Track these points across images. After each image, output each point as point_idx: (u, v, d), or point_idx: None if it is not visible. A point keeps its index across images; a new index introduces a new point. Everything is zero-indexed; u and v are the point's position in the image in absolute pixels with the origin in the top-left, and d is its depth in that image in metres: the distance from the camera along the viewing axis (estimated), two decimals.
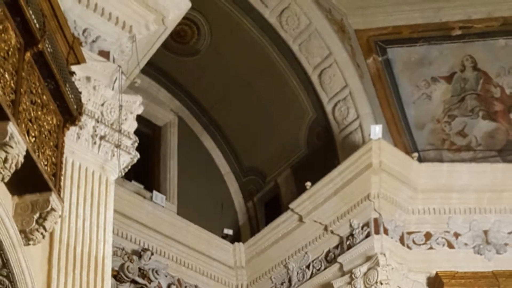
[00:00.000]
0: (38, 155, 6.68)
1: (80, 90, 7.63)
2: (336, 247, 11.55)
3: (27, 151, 6.37)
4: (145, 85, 12.53)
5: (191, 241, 12.10)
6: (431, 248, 11.36)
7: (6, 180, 6.32)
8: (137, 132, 8.66)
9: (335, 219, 11.46)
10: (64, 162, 7.34)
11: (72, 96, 7.32)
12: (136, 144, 8.52)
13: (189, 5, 9.31)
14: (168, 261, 11.77)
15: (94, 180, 7.88)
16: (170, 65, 12.90)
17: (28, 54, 6.65)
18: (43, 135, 6.88)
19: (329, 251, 11.66)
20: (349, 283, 11.02)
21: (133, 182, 12.01)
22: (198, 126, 13.61)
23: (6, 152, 6.15)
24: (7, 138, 6.10)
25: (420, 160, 11.59)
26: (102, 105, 8.30)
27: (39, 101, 6.86)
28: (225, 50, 12.48)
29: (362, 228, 11.18)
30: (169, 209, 12.33)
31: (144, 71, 10.88)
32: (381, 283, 10.63)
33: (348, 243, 11.31)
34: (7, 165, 6.20)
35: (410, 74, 12.19)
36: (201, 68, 12.84)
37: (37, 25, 6.67)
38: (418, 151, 11.77)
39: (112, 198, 8.02)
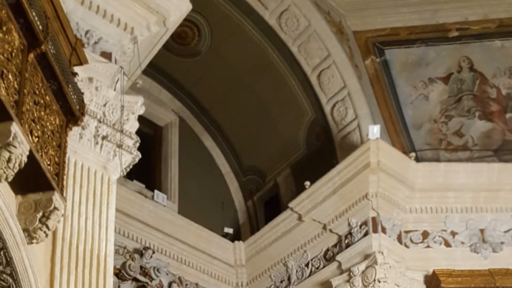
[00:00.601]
0: (41, 155, 6.71)
1: (82, 90, 7.67)
2: (335, 245, 11.57)
3: (30, 151, 6.40)
4: (147, 86, 12.54)
5: (192, 240, 12.12)
6: (428, 246, 11.40)
7: (9, 180, 6.34)
8: (138, 132, 8.69)
9: (334, 218, 11.49)
10: (66, 161, 7.37)
11: (75, 96, 7.34)
12: (137, 144, 8.55)
13: (190, 7, 9.31)
14: (169, 260, 11.78)
15: (96, 179, 7.90)
16: (171, 66, 12.93)
17: (31, 55, 6.66)
18: (46, 135, 6.90)
19: (327, 250, 11.67)
20: (348, 281, 11.04)
21: (134, 181, 12.03)
22: (198, 126, 13.63)
23: (9, 152, 6.18)
24: (11, 138, 6.13)
25: (418, 159, 11.64)
26: (104, 105, 8.32)
27: (42, 101, 6.88)
28: (225, 51, 12.52)
29: (360, 226, 11.21)
30: (170, 208, 12.35)
31: (145, 72, 10.89)
32: (379, 281, 10.67)
33: (346, 241, 11.33)
34: (11, 165, 6.22)
35: (407, 75, 12.23)
36: (201, 69, 12.86)
37: (40, 27, 6.68)
38: (416, 151, 11.82)
39: (114, 197, 8.05)
